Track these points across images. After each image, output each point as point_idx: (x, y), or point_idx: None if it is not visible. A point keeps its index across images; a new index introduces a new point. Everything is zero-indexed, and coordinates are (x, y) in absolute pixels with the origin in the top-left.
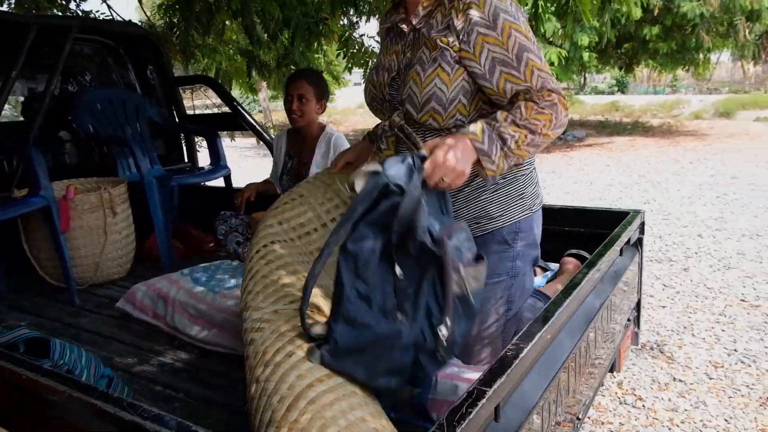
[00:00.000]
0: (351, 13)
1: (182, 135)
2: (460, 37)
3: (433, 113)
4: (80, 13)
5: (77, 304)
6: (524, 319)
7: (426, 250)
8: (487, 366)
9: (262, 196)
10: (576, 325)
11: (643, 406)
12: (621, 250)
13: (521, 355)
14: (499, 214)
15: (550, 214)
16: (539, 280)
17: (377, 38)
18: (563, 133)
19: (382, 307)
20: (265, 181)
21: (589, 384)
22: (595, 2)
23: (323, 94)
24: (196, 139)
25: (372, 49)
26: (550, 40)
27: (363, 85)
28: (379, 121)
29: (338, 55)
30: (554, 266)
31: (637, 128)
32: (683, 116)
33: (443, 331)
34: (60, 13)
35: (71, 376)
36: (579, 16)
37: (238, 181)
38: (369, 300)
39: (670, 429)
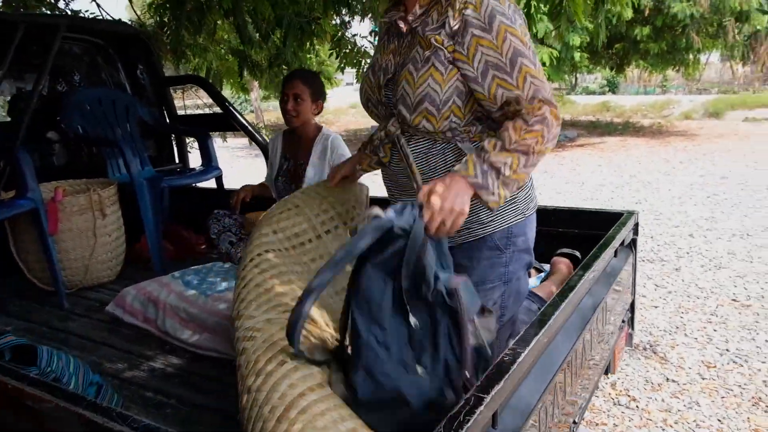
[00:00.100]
0: (343, 12)
1: (173, 135)
2: (455, 38)
3: (427, 114)
4: (69, 12)
5: (66, 308)
6: (519, 322)
7: (440, 300)
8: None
9: (257, 198)
10: (572, 328)
11: (637, 406)
12: (615, 252)
13: (518, 360)
14: (490, 219)
15: (544, 215)
16: (533, 281)
17: (370, 38)
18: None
19: (401, 357)
20: (261, 185)
21: (584, 386)
22: (588, 2)
23: (319, 95)
24: (188, 140)
25: (365, 49)
26: (543, 40)
27: (355, 85)
28: (372, 123)
29: (331, 55)
30: (548, 267)
31: (628, 128)
32: (673, 116)
33: (463, 385)
34: (48, 12)
35: (59, 384)
36: (572, 16)
37: (230, 182)
38: (388, 348)
39: (663, 429)
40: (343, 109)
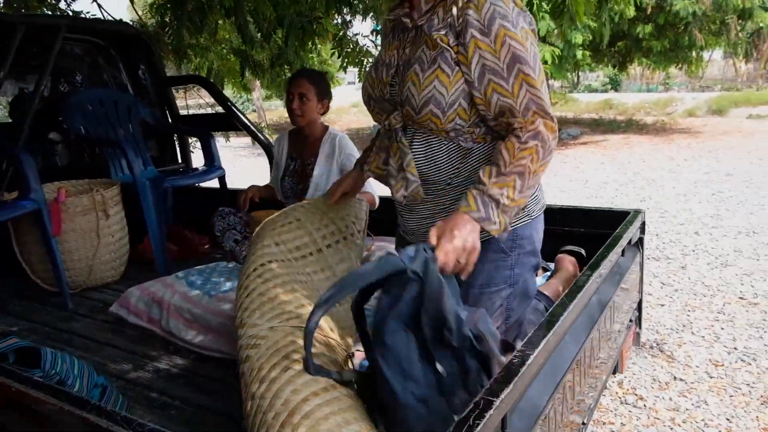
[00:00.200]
0: (345, 12)
1: (175, 135)
2: (459, 38)
3: (432, 116)
4: (70, 13)
5: (70, 309)
6: (526, 322)
7: (467, 345)
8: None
9: (263, 198)
10: (580, 329)
11: (644, 405)
12: (623, 251)
13: (527, 363)
14: None
15: (550, 214)
16: (539, 279)
17: (372, 37)
18: (557, 131)
19: (438, 408)
20: (266, 186)
21: (593, 387)
22: (591, 1)
23: (325, 94)
24: (190, 140)
25: (367, 48)
26: (545, 38)
27: (357, 85)
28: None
29: (332, 54)
30: (553, 266)
31: (631, 126)
32: (677, 114)
33: None
34: (49, 13)
35: (63, 387)
36: (575, 15)
37: (233, 182)
38: (426, 402)
39: (672, 429)
40: (345, 108)
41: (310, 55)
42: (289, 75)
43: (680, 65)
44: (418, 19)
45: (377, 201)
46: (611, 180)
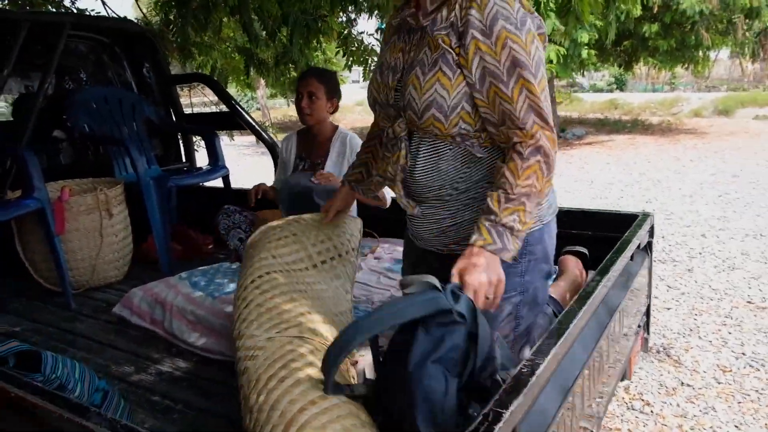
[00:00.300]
0: (350, 10)
1: (180, 134)
2: (461, 39)
3: (434, 121)
4: (75, 10)
5: (73, 309)
6: (536, 326)
7: (496, 386)
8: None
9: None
10: (590, 336)
11: (652, 411)
12: (632, 255)
13: (537, 373)
14: None
15: (557, 216)
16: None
17: (377, 36)
18: (562, 131)
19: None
20: (272, 188)
21: (602, 394)
22: (598, 0)
23: (334, 93)
24: (194, 139)
25: (372, 47)
26: (550, 37)
27: (362, 83)
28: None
29: (337, 52)
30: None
31: (636, 126)
32: (683, 114)
33: None
34: (54, 10)
35: (63, 393)
36: (581, 15)
37: (237, 181)
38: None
39: None
40: (350, 106)
41: (315, 54)
42: (293, 73)
43: (686, 65)
44: (423, 19)
45: (389, 200)
46: (617, 181)
